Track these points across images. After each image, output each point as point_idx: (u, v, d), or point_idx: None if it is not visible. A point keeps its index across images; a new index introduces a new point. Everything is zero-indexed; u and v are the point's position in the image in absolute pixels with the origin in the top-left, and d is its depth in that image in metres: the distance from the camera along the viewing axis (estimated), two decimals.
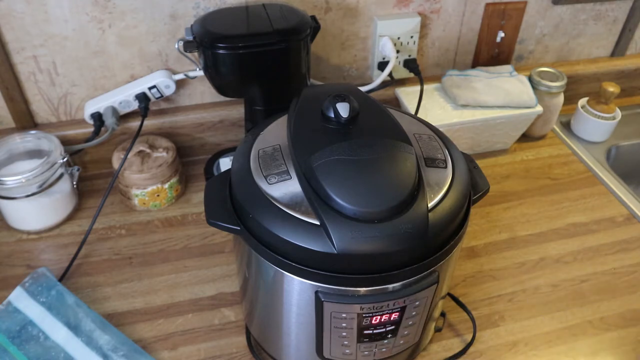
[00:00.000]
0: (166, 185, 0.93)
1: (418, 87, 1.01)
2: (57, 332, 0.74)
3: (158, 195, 0.93)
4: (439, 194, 0.58)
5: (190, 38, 0.82)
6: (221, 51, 0.80)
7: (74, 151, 0.93)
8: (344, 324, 0.59)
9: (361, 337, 0.61)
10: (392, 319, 0.60)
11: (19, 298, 0.77)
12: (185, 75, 0.95)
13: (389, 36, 1.01)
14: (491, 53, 1.12)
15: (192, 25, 0.83)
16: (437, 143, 0.65)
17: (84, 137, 0.96)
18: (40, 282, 0.78)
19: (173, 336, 0.77)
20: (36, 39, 0.87)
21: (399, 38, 1.02)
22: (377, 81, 1.01)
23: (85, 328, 0.74)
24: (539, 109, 1.02)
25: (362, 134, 0.60)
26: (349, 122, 0.60)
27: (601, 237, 0.93)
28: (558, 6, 1.10)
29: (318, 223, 0.54)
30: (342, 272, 0.55)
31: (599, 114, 1.10)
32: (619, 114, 1.10)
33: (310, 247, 0.53)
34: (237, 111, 1.01)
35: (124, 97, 0.93)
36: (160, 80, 0.93)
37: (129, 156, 0.91)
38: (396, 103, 1.06)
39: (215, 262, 0.87)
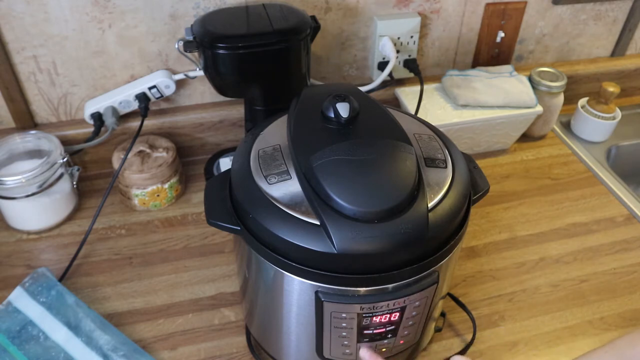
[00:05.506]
0: (166, 185, 0.93)
1: (418, 87, 1.01)
2: (57, 332, 0.74)
3: (158, 195, 0.93)
4: (439, 194, 0.58)
5: (190, 38, 0.82)
6: (221, 51, 0.80)
7: (74, 151, 0.93)
8: (344, 324, 0.59)
9: (361, 337, 0.61)
10: (392, 319, 0.60)
11: (19, 298, 0.77)
12: (185, 75, 0.95)
13: (389, 36, 1.01)
14: (491, 53, 1.12)
15: (192, 25, 0.83)
16: (437, 143, 0.65)
17: (84, 137, 0.96)
18: (40, 282, 0.78)
19: (173, 336, 0.77)
20: (36, 39, 0.87)
21: (399, 38, 1.02)
22: (377, 81, 1.01)
23: (85, 328, 0.74)
24: (539, 109, 1.02)
25: (362, 134, 0.60)
26: (349, 122, 0.61)
27: (601, 237, 0.93)
28: (558, 6, 1.10)
29: (318, 223, 0.54)
30: (342, 272, 0.55)
31: (599, 114, 1.10)
32: (619, 114, 1.10)
33: (310, 247, 0.53)
34: (237, 111, 1.01)
35: (124, 97, 0.93)
36: (160, 80, 0.93)
37: (129, 156, 0.91)
38: (396, 103, 1.06)
39: (215, 262, 0.87)
